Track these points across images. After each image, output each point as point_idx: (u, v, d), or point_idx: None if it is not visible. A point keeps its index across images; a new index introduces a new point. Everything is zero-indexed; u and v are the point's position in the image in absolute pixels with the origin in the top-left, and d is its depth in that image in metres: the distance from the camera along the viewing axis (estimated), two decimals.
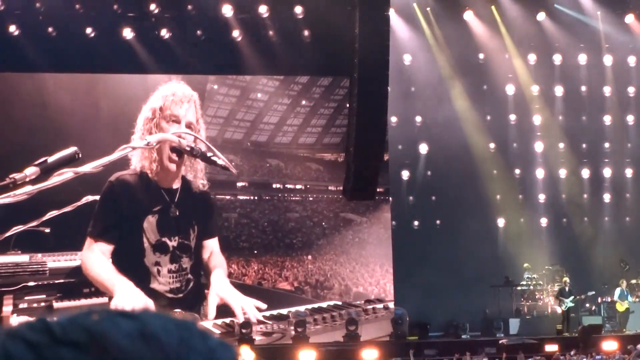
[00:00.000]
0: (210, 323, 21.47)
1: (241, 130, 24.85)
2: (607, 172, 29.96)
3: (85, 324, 1.01)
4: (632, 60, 29.23)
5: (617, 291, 26.54)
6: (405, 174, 28.68)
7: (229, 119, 24.69)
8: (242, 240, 24.31)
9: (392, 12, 24.02)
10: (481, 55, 28.33)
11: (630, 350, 20.12)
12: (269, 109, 25.23)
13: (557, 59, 28.90)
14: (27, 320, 1.04)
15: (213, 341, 1.05)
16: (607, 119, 29.71)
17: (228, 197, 24.36)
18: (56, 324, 1.01)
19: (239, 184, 24.52)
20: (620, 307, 26.35)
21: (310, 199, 25.01)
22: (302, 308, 23.93)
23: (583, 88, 29.29)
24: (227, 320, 21.94)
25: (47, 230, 19.67)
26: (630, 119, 29.80)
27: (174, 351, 1.01)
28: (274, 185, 24.96)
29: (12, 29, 23.95)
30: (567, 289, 25.98)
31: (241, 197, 24.60)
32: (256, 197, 24.83)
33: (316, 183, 25.15)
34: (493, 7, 27.51)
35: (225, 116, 24.62)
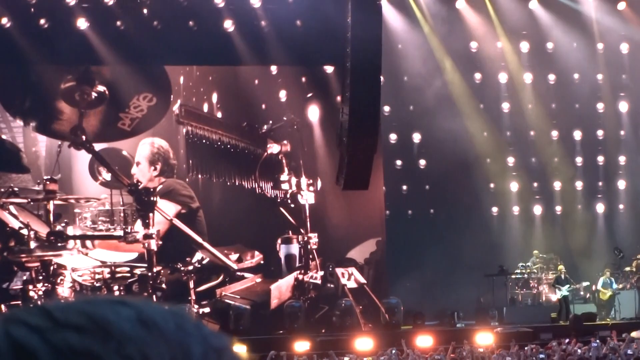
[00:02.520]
0: None
1: None
2: (600, 160, 29.95)
3: (84, 309, 1.02)
4: (624, 48, 29.22)
5: (600, 280, 26.71)
6: (398, 163, 28.66)
7: None
8: None
9: (384, 1, 23.97)
10: (474, 44, 28.30)
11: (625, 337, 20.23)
12: None
13: (550, 46, 28.88)
14: (21, 307, 1.06)
15: (206, 329, 1.08)
16: (600, 106, 29.70)
17: None
18: (55, 309, 1.02)
19: None
20: (604, 295, 26.51)
21: None
22: None
23: (576, 75, 29.26)
24: None
25: None
26: (623, 106, 29.79)
27: (173, 336, 1.03)
28: None
29: (4, 21, 23.95)
30: (562, 277, 26.05)
31: None
32: None
33: None
34: None
35: None
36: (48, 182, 22.96)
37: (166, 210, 24.40)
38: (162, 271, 23.33)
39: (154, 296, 22.31)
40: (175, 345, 1.03)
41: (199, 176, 25.59)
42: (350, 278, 25.38)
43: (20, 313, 1.02)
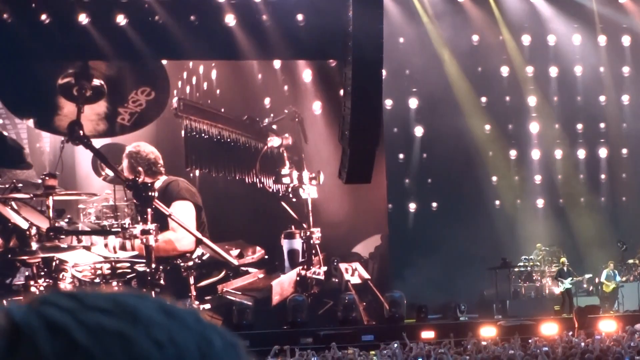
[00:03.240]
0: None
1: None
2: (602, 153, 29.96)
3: (109, 296, 1.05)
4: (626, 40, 29.19)
5: (604, 273, 26.72)
6: (401, 157, 28.65)
7: None
8: None
9: None
10: (475, 37, 28.28)
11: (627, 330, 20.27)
12: None
13: (552, 39, 28.86)
14: (43, 293, 1.06)
15: (218, 326, 1.11)
16: (602, 99, 29.68)
17: None
18: (82, 294, 1.05)
19: None
20: (607, 287, 26.55)
21: None
22: None
23: (577, 68, 29.25)
24: None
25: None
26: (625, 98, 29.78)
27: (194, 327, 1.06)
28: None
29: (5, 16, 23.96)
30: (565, 269, 26.04)
31: None
32: None
33: None
34: None
35: None
36: (47, 178, 22.93)
37: (186, 212, 24.46)
38: (160, 267, 23.30)
39: (152, 292, 22.25)
40: (198, 335, 1.05)
41: (198, 171, 25.49)
42: (354, 274, 25.34)
43: (49, 296, 1.04)
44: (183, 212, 24.45)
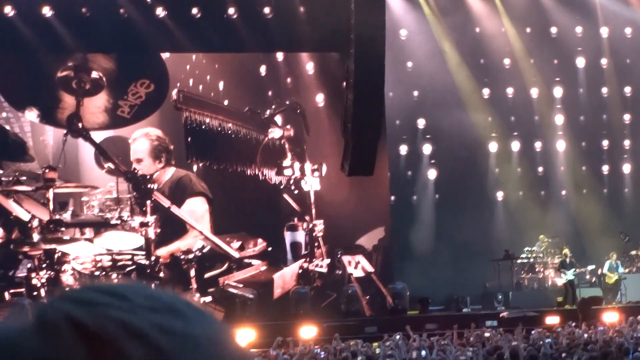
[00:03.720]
0: None
1: None
2: (605, 144, 29.93)
3: (141, 291, 1.04)
4: (628, 32, 29.15)
5: (607, 264, 26.71)
6: (403, 149, 28.62)
7: None
8: None
9: None
10: (477, 29, 28.25)
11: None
12: None
13: (554, 31, 28.82)
14: (68, 290, 1.06)
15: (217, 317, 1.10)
16: (605, 91, 29.65)
17: None
18: (115, 289, 1.03)
19: None
20: (610, 279, 26.55)
21: None
22: None
23: (579, 60, 29.21)
24: None
25: None
26: (627, 90, 29.74)
27: (211, 318, 1.05)
28: None
29: (8, 9, 23.93)
30: (568, 261, 26.03)
31: None
32: None
33: None
34: None
35: None
36: (47, 171, 22.93)
37: (202, 207, 24.44)
38: (160, 259, 23.27)
39: (152, 285, 22.13)
40: (221, 327, 1.05)
41: (200, 163, 25.42)
42: (357, 267, 25.30)
43: (88, 294, 1.01)
44: (199, 208, 24.47)
